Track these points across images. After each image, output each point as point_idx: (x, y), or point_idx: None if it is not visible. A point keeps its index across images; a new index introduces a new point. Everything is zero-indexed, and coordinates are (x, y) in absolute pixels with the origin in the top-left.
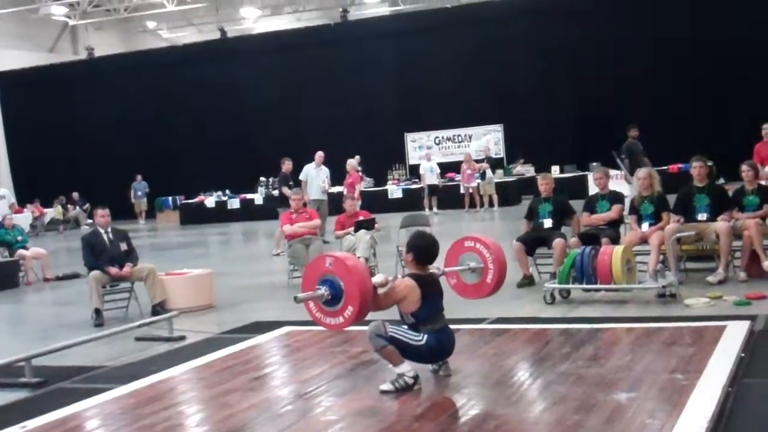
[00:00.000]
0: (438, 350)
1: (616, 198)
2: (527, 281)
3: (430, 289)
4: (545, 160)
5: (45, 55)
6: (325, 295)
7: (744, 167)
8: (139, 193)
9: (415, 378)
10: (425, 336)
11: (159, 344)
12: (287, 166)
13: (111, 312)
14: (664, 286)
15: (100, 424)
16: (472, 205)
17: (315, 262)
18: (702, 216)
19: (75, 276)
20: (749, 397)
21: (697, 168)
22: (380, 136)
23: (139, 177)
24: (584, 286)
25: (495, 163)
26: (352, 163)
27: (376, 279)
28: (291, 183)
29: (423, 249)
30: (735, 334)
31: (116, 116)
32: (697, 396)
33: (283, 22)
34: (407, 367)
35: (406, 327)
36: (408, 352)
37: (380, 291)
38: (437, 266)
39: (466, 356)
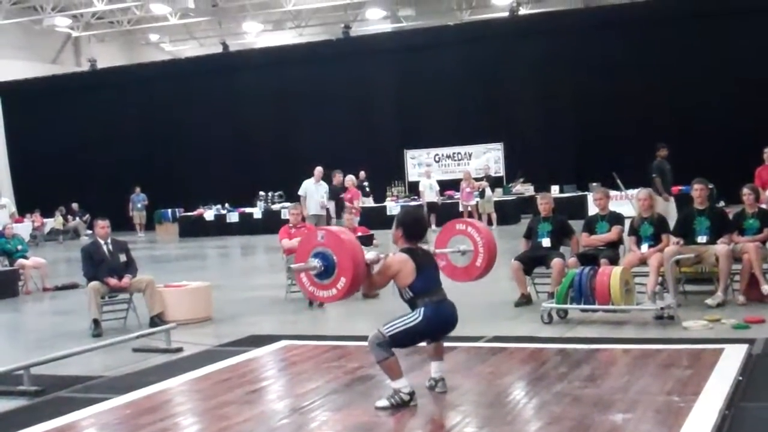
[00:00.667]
0: (436, 321)
1: (616, 219)
2: (525, 300)
3: (424, 261)
4: (545, 180)
5: (48, 66)
6: (318, 267)
7: (745, 190)
8: (138, 206)
9: (411, 394)
10: (422, 309)
11: (156, 356)
12: (338, 178)
13: (109, 323)
14: (662, 308)
15: None
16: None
17: (306, 237)
18: (702, 238)
19: (74, 286)
20: (746, 421)
21: (698, 190)
22: (380, 153)
23: (137, 189)
24: (582, 306)
25: (494, 182)
26: (352, 178)
27: (369, 255)
28: (342, 196)
29: (411, 224)
30: (733, 358)
31: (117, 128)
32: (694, 419)
33: (285, 37)
34: (404, 383)
35: (399, 316)
36: (410, 336)
37: (374, 270)
38: (428, 247)
39: (462, 374)
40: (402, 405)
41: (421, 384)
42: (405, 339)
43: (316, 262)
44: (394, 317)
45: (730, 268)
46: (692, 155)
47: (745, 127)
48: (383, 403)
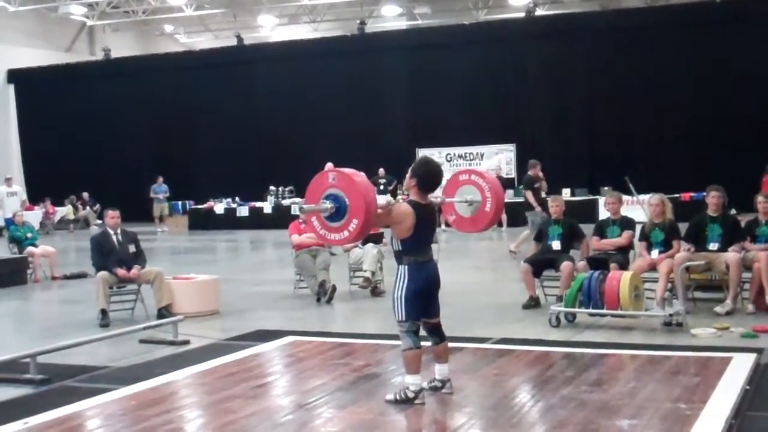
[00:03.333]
0: (421, 278)
1: (628, 224)
2: (533, 303)
3: (424, 220)
4: (556, 183)
5: (62, 54)
6: (330, 209)
7: (760, 198)
8: (160, 197)
9: (417, 393)
10: (405, 267)
11: (163, 347)
12: (535, 170)
13: (117, 313)
14: (671, 315)
15: (101, 424)
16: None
17: (318, 178)
18: (713, 246)
19: (82, 275)
20: (753, 431)
21: (714, 197)
22: (391, 150)
23: (160, 179)
24: (590, 310)
25: (505, 183)
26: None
27: (380, 201)
28: (536, 186)
29: (427, 176)
30: (741, 366)
31: (129, 118)
32: (700, 427)
33: (300, 32)
34: (414, 380)
35: (392, 298)
36: (411, 299)
37: (380, 211)
38: (437, 194)
39: (469, 376)
40: (406, 401)
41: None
42: (411, 306)
43: (327, 204)
44: (392, 302)
45: (740, 276)
46: (706, 162)
47: (761, 136)
48: (390, 397)
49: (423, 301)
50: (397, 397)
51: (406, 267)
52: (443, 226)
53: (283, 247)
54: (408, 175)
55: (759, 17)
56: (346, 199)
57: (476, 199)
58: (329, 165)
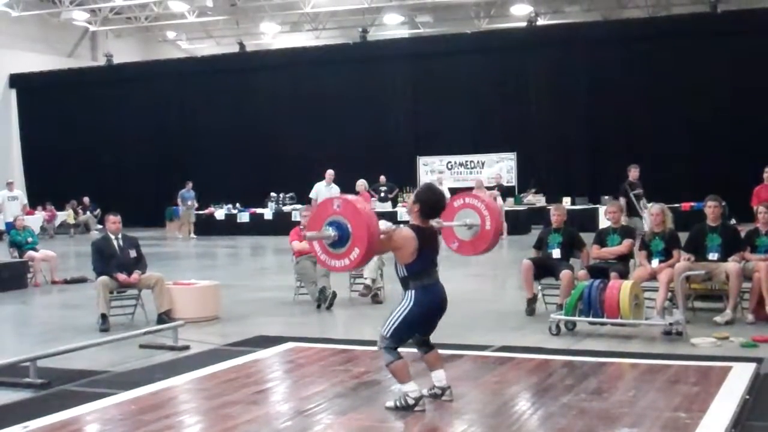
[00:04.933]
0: (428, 303)
1: (628, 233)
2: (532, 300)
3: (427, 244)
4: (557, 191)
5: (64, 59)
6: (333, 237)
7: (761, 209)
8: (189, 203)
9: (418, 399)
10: (412, 293)
11: (163, 353)
12: (633, 173)
13: (117, 318)
14: (670, 324)
15: (101, 429)
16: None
17: (323, 204)
18: (713, 255)
19: (83, 280)
20: None
21: (711, 207)
22: (393, 158)
23: (189, 184)
24: (590, 319)
25: (506, 192)
26: (363, 183)
27: (382, 226)
28: (638, 192)
29: (430, 203)
30: (740, 376)
31: (131, 124)
32: None
33: (302, 39)
34: (411, 387)
35: (392, 311)
36: (408, 324)
37: (381, 237)
38: (437, 219)
39: (469, 383)
40: (407, 408)
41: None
42: (404, 330)
43: (330, 231)
44: (389, 315)
45: (740, 286)
46: (705, 171)
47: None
48: (390, 404)
49: (421, 326)
50: (398, 404)
51: (413, 292)
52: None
53: (284, 254)
54: (411, 200)
55: (759, 27)
56: (350, 228)
57: (475, 222)
58: (330, 172)
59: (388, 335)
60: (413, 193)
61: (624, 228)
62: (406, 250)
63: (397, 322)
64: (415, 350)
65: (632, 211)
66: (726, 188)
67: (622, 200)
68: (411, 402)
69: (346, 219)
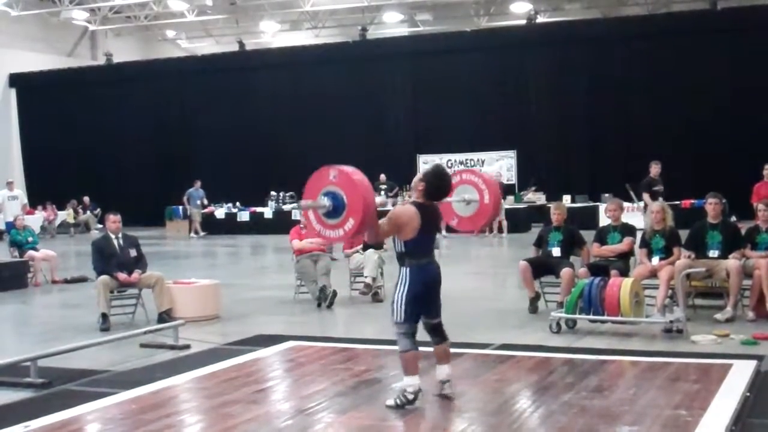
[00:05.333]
0: (420, 281)
1: (628, 230)
2: (535, 299)
3: (429, 222)
4: (557, 189)
5: (63, 58)
6: (327, 206)
7: (761, 206)
8: (198, 202)
9: (416, 394)
10: (407, 270)
11: (164, 352)
12: (655, 169)
13: (117, 317)
14: (671, 321)
15: (102, 428)
16: (482, 231)
17: (318, 174)
18: (713, 253)
19: (83, 280)
20: None
21: (712, 205)
22: (392, 157)
23: (197, 183)
24: (591, 317)
25: (506, 190)
26: None
27: (378, 199)
28: (658, 189)
29: (436, 185)
30: (741, 373)
31: (131, 123)
32: None
33: (302, 38)
34: (411, 381)
35: (392, 300)
36: (411, 302)
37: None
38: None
39: (469, 381)
40: (407, 404)
41: (427, 390)
42: (409, 308)
43: (325, 201)
44: (391, 302)
45: (740, 283)
46: (705, 169)
47: (762, 143)
48: (390, 402)
49: (423, 303)
50: (398, 401)
51: (408, 269)
52: (444, 233)
53: (284, 252)
54: (419, 178)
55: (758, 24)
56: (345, 198)
57: (474, 198)
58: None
59: (401, 320)
60: (421, 172)
61: (624, 226)
62: (410, 225)
63: (401, 305)
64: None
65: None
66: (726, 185)
67: (646, 196)
68: (410, 397)
69: (342, 190)
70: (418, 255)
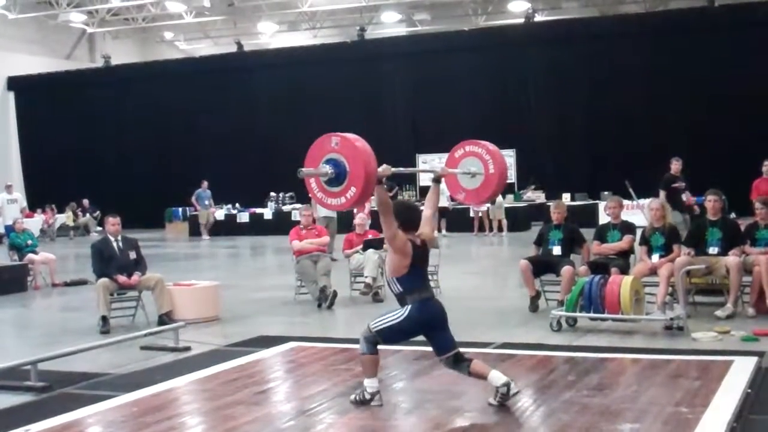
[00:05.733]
0: (421, 319)
1: (628, 228)
2: (536, 297)
3: (419, 255)
4: (556, 187)
5: (62, 61)
6: (329, 174)
7: (758, 205)
8: (206, 202)
9: (373, 395)
10: (408, 307)
11: (164, 354)
12: (676, 166)
13: (118, 320)
14: (671, 319)
15: (103, 431)
16: (481, 229)
17: (320, 141)
18: (713, 250)
19: (83, 282)
20: None
21: (711, 202)
22: (392, 156)
23: (204, 183)
24: (591, 314)
25: (506, 188)
26: None
27: (380, 168)
28: (679, 185)
29: (404, 212)
30: (742, 370)
31: (129, 125)
32: (702, 430)
33: (300, 39)
34: (371, 383)
35: (386, 312)
36: (395, 332)
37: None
38: (442, 166)
39: (470, 380)
40: (364, 402)
41: (431, 388)
42: (390, 335)
43: (327, 168)
44: (382, 313)
45: (740, 280)
46: (705, 166)
47: (760, 140)
48: (352, 397)
49: (410, 335)
50: (357, 398)
51: (410, 307)
52: (444, 231)
53: (284, 253)
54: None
55: (756, 21)
56: (347, 166)
57: (479, 171)
58: None
59: (374, 331)
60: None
61: (624, 224)
62: (403, 252)
63: (385, 326)
64: (415, 348)
65: (675, 205)
66: (726, 182)
67: (662, 194)
68: (368, 397)
69: (344, 157)
70: (417, 290)
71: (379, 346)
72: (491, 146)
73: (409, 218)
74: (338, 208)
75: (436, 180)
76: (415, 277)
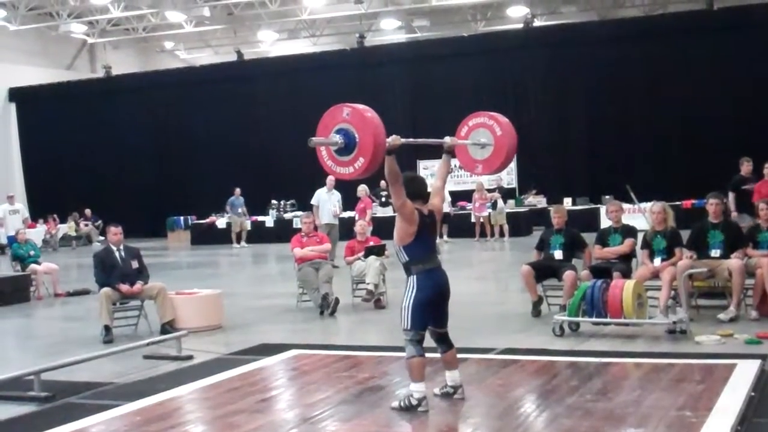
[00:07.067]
0: (431, 285)
1: (629, 232)
2: (538, 302)
3: (426, 225)
4: (557, 192)
5: (63, 72)
6: (339, 143)
7: (761, 205)
8: (239, 210)
9: (420, 400)
10: (414, 278)
11: (167, 363)
12: (747, 167)
13: (120, 329)
14: (674, 322)
15: None
16: (483, 235)
17: (332, 111)
18: (715, 252)
19: (86, 292)
20: None
21: (713, 205)
22: None
23: (237, 191)
24: (594, 319)
25: (507, 193)
26: (365, 188)
27: (390, 139)
28: (749, 187)
29: (409, 182)
30: (745, 373)
31: (131, 135)
32: None
33: (300, 47)
34: (418, 388)
35: (399, 309)
36: (418, 310)
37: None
38: (451, 137)
39: (474, 386)
40: (410, 408)
41: (430, 395)
42: (418, 317)
43: (337, 138)
44: (400, 310)
45: (743, 283)
46: (705, 169)
47: (762, 142)
48: (395, 404)
49: (430, 311)
50: (402, 404)
51: (415, 277)
52: (445, 237)
53: (286, 261)
54: None
55: (755, 23)
56: (357, 136)
57: (489, 141)
58: (330, 178)
59: (408, 326)
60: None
61: (625, 227)
62: (410, 221)
63: (409, 312)
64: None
65: (744, 207)
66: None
67: (731, 195)
68: (414, 402)
69: (354, 127)
70: (423, 260)
71: (407, 353)
72: (492, 113)
73: (416, 189)
74: (348, 176)
75: (448, 152)
76: (420, 247)
